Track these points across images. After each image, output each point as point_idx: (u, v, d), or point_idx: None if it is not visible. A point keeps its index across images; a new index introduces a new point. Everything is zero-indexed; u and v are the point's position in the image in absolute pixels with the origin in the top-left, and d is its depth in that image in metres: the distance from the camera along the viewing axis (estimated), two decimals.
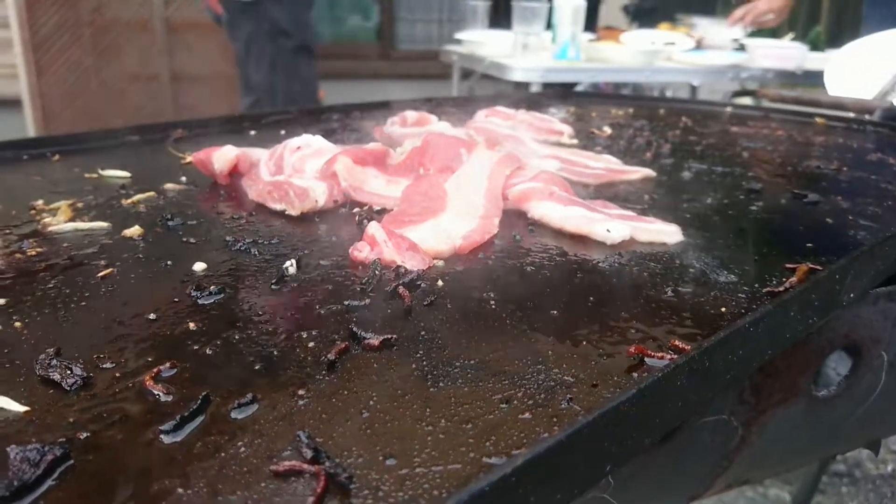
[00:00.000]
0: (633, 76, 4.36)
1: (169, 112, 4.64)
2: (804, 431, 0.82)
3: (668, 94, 7.53)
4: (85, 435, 0.43)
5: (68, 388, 0.48)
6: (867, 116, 1.65)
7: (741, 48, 4.24)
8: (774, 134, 1.42)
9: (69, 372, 0.49)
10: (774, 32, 5.01)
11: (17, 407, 0.46)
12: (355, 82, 5.94)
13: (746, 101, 2.05)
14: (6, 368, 0.50)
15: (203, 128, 1.25)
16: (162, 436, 0.43)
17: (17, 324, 0.56)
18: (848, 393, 0.83)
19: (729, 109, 1.76)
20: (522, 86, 3.23)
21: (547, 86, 3.17)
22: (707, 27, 4.77)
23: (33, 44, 4.32)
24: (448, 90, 4.66)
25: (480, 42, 3.65)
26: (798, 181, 1.04)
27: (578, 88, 3.69)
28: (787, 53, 3.68)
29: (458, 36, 3.93)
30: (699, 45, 4.11)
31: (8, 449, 0.40)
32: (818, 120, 1.62)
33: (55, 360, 0.50)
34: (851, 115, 1.70)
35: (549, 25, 3.56)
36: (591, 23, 3.71)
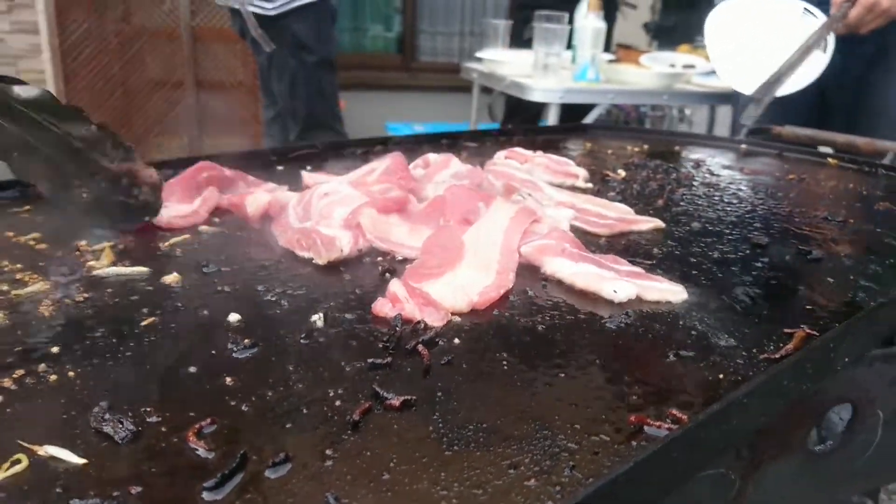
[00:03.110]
0: (651, 99, 4.39)
1: (192, 118, 4.73)
2: (801, 484, 0.85)
3: (688, 111, 7.55)
4: (137, 490, 0.48)
5: (120, 442, 0.53)
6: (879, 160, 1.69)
7: None
8: (786, 178, 1.46)
9: (121, 426, 0.54)
10: None
11: (75, 459, 0.51)
12: (376, 93, 6.03)
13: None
14: (64, 419, 0.56)
15: (232, 162, 1.30)
16: (204, 493, 0.48)
17: (71, 373, 0.62)
18: (844, 448, 0.87)
19: (743, 147, 1.80)
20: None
21: (564, 111, 3.21)
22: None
23: (62, 50, 4.43)
24: (468, 103, 4.73)
25: (501, 61, 3.70)
26: (804, 234, 1.08)
27: (597, 108, 3.72)
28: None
29: (479, 55, 3.98)
30: None
31: (72, 501, 0.46)
32: (830, 161, 1.66)
33: (108, 415, 0.55)
34: (864, 156, 1.74)
35: (569, 45, 3.60)
36: (605, 44, 3.75)
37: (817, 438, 0.93)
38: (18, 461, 0.50)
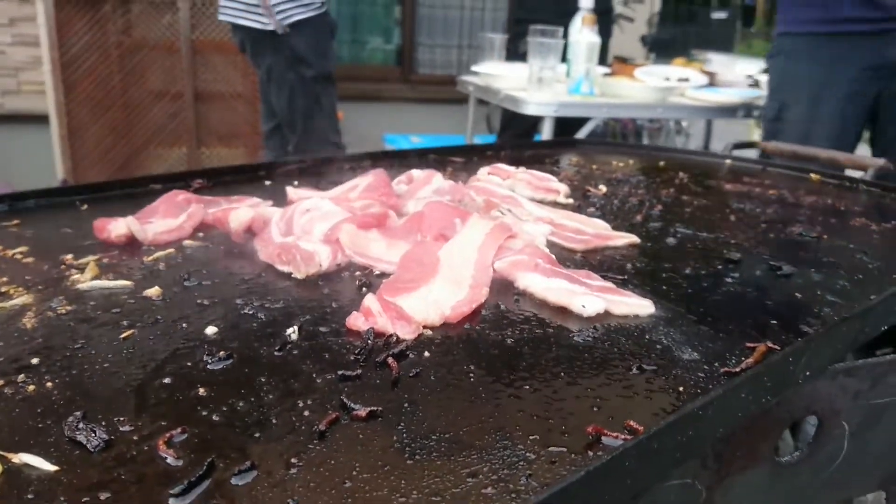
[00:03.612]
0: (646, 112, 4.42)
1: (191, 129, 4.76)
2: (769, 494, 0.87)
3: (684, 123, 7.56)
4: (106, 496, 0.50)
5: (92, 450, 0.55)
6: (861, 174, 1.71)
7: (755, 84, 4.30)
8: (766, 193, 1.48)
9: (93, 434, 0.56)
10: None
11: (48, 466, 0.53)
12: (375, 104, 6.08)
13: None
14: (38, 428, 0.58)
15: (221, 177, 1.33)
16: (171, 499, 0.50)
17: (49, 384, 0.64)
18: (811, 459, 0.88)
19: (728, 162, 1.82)
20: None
21: (560, 124, 3.23)
22: (721, 63, 4.83)
23: (62, 63, 4.47)
24: (466, 114, 4.76)
25: (496, 75, 3.73)
26: (777, 250, 1.10)
27: (592, 121, 3.76)
28: None
29: (475, 68, 4.02)
30: (712, 82, 4.16)
31: None
32: (813, 176, 1.68)
33: (81, 424, 0.57)
34: (846, 171, 1.76)
35: (564, 58, 3.64)
36: (602, 55, 3.80)
37: (794, 447, 0.95)
38: None
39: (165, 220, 1.01)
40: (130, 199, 1.21)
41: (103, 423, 0.58)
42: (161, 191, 1.25)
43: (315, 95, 3.07)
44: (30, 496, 0.50)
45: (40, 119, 4.72)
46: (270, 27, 2.84)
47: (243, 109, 4.82)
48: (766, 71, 4.33)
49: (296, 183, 1.31)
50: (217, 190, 1.29)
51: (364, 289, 0.87)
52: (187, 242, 1.00)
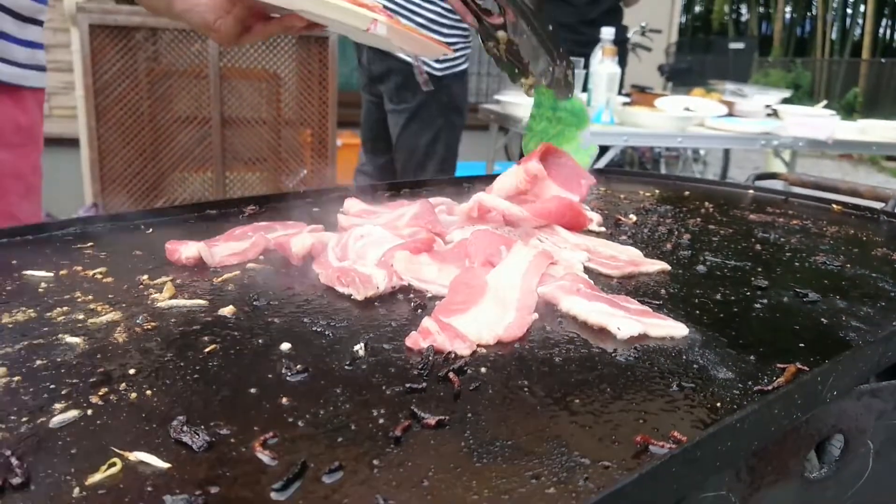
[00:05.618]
0: (665, 141, 4.49)
1: (218, 154, 4.87)
2: None
3: (702, 152, 7.59)
4: (215, 489, 0.57)
5: (197, 450, 0.62)
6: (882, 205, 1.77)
7: (774, 114, 4.37)
8: (790, 224, 1.54)
9: (197, 436, 0.63)
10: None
11: (160, 463, 0.60)
12: None
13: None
14: (146, 431, 0.65)
15: (272, 203, 1.41)
16: (273, 493, 0.57)
17: (148, 392, 0.71)
18: (837, 476, 0.94)
19: (751, 192, 1.89)
20: None
21: None
22: (740, 93, 4.89)
23: (95, 89, 4.61)
24: (484, 141, 4.85)
25: (517, 103, 3.82)
26: (802, 278, 1.16)
27: (611, 150, 3.82)
28: (819, 123, 3.80)
29: (497, 97, 4.11)
30: (731, 112, 4.23)
31: (164, 497, 0.55)
32: (835, 207, 1.74)
33: (185, 427, 0.64)
34: (866, 202, 1.82)
35: (584, 87, 3.72)
36: (619, 84, 3.88)
37: (818, 467, 1.00)
38: (114, 464, 0.59)
39: (230, 244, 1.09)
40: (190, 224, 1.29)
41: (203, 427, 0.65)
42: (217, 216, 1.34)
43: (454, 143, 3.13)
44: (149, 489, 0.57)
45: (71, 143, 4.86)
46: (437, 73, 2.90)
47: (267, 135, 4.94)
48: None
49: (341, 209, 1.38)
50: (266, 215, 1.37)
51: (419, 310, 0.94)
52: (250, 265, 1.08)
